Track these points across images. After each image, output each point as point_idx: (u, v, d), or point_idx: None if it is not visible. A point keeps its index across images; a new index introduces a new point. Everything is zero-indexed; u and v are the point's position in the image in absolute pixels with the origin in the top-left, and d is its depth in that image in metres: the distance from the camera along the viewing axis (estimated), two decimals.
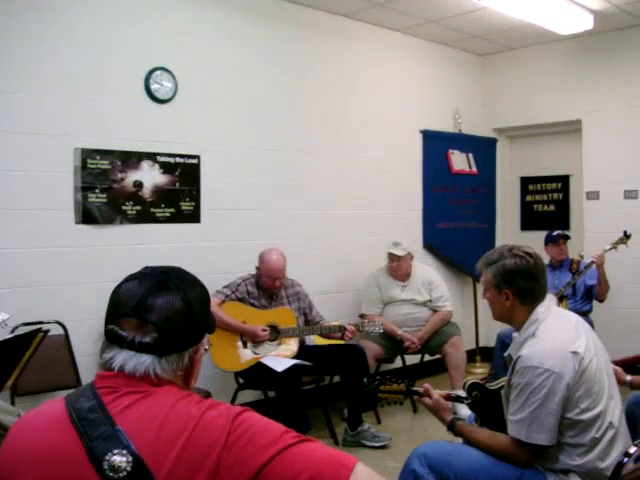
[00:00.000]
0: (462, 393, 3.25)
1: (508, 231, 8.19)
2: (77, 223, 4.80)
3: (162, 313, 1.57)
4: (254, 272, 5.28)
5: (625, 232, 6.19)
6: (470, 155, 7.77)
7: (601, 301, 6.42)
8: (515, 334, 2.99)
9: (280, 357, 5.07)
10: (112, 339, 1.58)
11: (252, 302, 5.20)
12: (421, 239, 7.35)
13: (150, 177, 5.13)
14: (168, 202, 5.23)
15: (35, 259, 4.62)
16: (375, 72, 6.85)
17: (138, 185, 5.06)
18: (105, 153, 4.88)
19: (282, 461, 1.39)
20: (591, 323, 6.18)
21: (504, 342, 5.71)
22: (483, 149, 7.98)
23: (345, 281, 6.54)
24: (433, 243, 7.43)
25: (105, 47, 4.92)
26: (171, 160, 5.25)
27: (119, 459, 1.39)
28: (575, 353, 2.69)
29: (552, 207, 7.93)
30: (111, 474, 1.39)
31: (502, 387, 2.99)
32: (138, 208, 5.07)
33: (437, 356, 6.29)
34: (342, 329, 5.30)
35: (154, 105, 5.19)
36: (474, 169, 7.82)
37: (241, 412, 1.48)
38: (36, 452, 1.47)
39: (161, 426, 1.44)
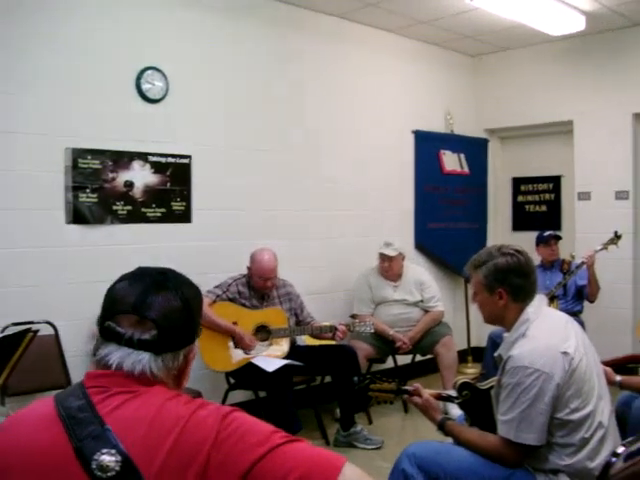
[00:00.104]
0: (453, 393, 3.25)
1: (500, 231, 8.20)
2: (68, 223, 4.79)
3: (162, 310, 1.59)
4: (245, 272, 5.28)
5: (616, 232, 6.21)
6: (462, 155, 7.78)
7: (592, 301, 6.44)
8: (506, 334, 2.99)
9: (271, 357, 5.07)
10: (109, 336, 1.58)
11: (243, 302, 5.19)
12: (412, 239, 7.36)
13: (141, 177, 5.12)
14: (159, 202, 5.23)
15: (25, 259, 4.61)
16: (367, 72, 6.85)
17: (129, 185, 5.05)
18: (96, 153, 4.87)
19: (272, 460, 1.39)
20: (582, 323, 6.18)
21: (495, 342, 5.71)
22: (475, 149, 7.99)
23: (336, 281, 6.53)
24: (424, 243, 7.43)
25: (96, 47, 4.91)
26: (162, 160, 5.24)
27: (108, 459, 1.39)
28: (565, 353, 2.69)
29: (544, 208, 7.94)
30: (99, 474, 1.38)
31: (492, 387, 3.00)
32: (129, 208, 5.06)
33: (429, 356, 6.30)
34: (333, 329, 5.30)
35: (145, 105, 5.18)
36: (466, 169, 7.83)
37: (230, 412, 1.49)
38: (24, 451, 1.46)
39: (150, 426, 1.44)
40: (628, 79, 6.87)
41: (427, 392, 3.16)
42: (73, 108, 4.80)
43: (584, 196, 7.24)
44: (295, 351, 5.30)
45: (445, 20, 6.66)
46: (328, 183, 6.45)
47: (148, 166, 5.16)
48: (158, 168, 5.21)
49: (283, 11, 6.07)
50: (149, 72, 5.16)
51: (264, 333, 5.18)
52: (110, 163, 4.94)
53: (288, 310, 5.36)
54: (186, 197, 5.38)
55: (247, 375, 5.05)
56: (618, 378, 3.43)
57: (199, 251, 5.45)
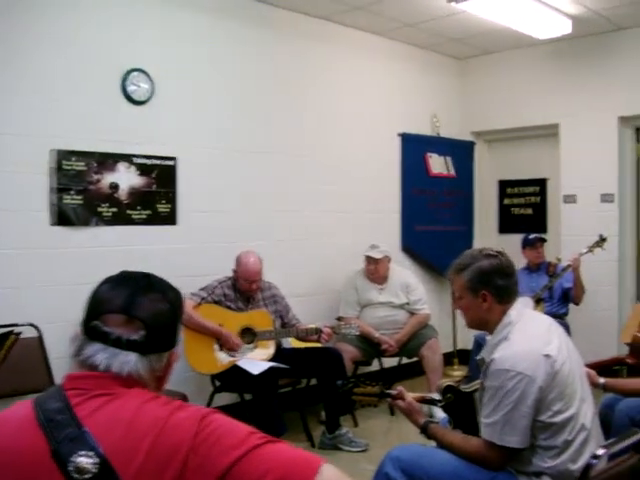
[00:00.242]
0: (436, 396, 3.25)
1: (486, 234, 8.21)
2: (52, 225, 4.76)
3: (150, 311, 1.61)
4: (231, 275, 5.27)
5: (601, 235, 6.24)
6: (448, 158, 7.79)
7: (577, 304, 6.47)
8: (489, 337, 2.99)
9: (256, 360, 5.06)
10: (95, 336, 1.58)
11: (228, 305, 5.18)
12: (399, 242, 7.37)
13: (126, 179, 5.10)
14: (144, 204, 5.21)
15: (9, 260, 4.58)
16: (354, 75, 6.85)
17: (114, 187, 5.03)
18: (81, 154, 4.85)
19: (249, 462, 1.39)
20: (568, 326, 6.21)
21: (480, 345, 5.69)
22: (461, 152, 8.01)
23: (322, 283, 6.53)
24: (411, 246, 7.44)
25: (81, 48, 4.89)
26: (147, 162, 5.22)
27: (85, 460, 1.39)
28: (547, 356, 2.69)
29: (530, 210, 7.96)
30: (76, 476, 1.38)
31: (476, 390, 3.00)
32: (114, 210, 5.04)
33: (414, 359, 6.30)
34: (318, 332, 5.31)
35: (130, 106, 5.16)
36: (452, 172, 7.85)
37: (209, 413, 1.49)
38: (2, 452, 1.46)
39: (128, 427, 1.44)
40: (614, 83, 6.91)
41: (410, 395, 3.15)
42: (58, 109, 4.78)
43: (570, 199, 7.26)
44: (281, 354, 5.29)
45: (431, 23, 6.67)
46: (314, 185, 6.45)
47: (133, 168, 5.14)
48: (143, 170, 5.19)
49: (269, 13, 6.06)
50: (134, 74, 5.14)
51: (249, 336, 5.17)
52: (95, 165, 4.92)
53: (273, 312, 5.35)
54: (171, 199, 5.37)
55: (232, 378, 5.04)
56: (602, 380, 3.43)
57: (184, 253, 5.43)
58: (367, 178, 6.96)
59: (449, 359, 7.43)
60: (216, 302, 5.14)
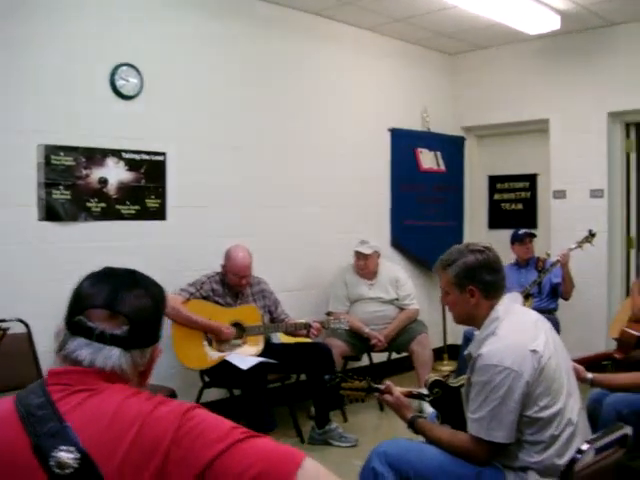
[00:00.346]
0: (424, 390, 3.26)
1: (476, 229, 8.23)
2: (40, 220, 4.74)
3: (134, 306, 1.61)
4: (219, 270, 5.26)
5: (590, 231, 6.26)
6: (438, 153, 7.80)
7: (566, 299, 6.49)
8: (476, 332, 3.00)
9: (245, 355, 5.05)
10: (78, 330, 1.59)
11: (217, 300, 5.17)
12: (389, 237, 7.37)
13: (115, 174, 5.08)
14: (133, 199, 5.19)
15: None
16: (343, 70, 6.84)
17: (103, 182, 5.01)
18: (69, 149, 4.83)
19: (231, 456, 1.39)
20: (557, 321, 6.24)
21: (470, 340, 5.69)
22: (451, 147, 8.02)
23: (312, 279, 6.53)
24: (401, 241, 7.45)
25: (70, 43, 4.87)
26: (136, 157, 5.20)
27: (66, 455, 1.39)
28: (534, 351, 2.70)
29: (520, 206, 7.98)
30: (57, 470, 1.38)
31: (463, 385, 3.01)
32: (103, 205, 5.03)
33: (404, 354, 6.31)
34: (307, 327, 5.31)
35: (119, 101, 5.14)
36: (442, 167, 7.85)
37: (191, 408, 1.50)
38: None
39: (110, 422, 1.44)
40: (603, 78, 6.92)
41: (398, 390, 3.16)
42: (46, 104, 4.75)
43: (559, 194, 7.28)
44: (270, 349, 5.29)
45: (422, 18, 6.66)
46: (304, 180, 6.44)
47: (122, 163, 5.13)
48: (132, 165, 5.18)
49: (258, 8, 6.05)
50: (123, 68, 5.12)
51: (238, 331, 5.16)
52: (83, 160, 4.90)
53: (262, 307, 5.35)
54: (161, 194, 5.35)
55: (221, 373, 5.03)
56: (589, 375, 3.44)
57: (174, 248, 5.42)
58: (357, 173, 6.95)
59: (439, 354, 7.45)
60: (204, 297, 5.13)
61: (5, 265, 4.60)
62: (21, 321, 4.55)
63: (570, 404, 2.77)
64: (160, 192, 5.35)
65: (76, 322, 1.59)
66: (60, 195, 4.78)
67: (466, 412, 2.85)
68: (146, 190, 5.26)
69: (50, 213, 4.76)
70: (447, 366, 7.49)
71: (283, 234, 6.26)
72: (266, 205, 6.14)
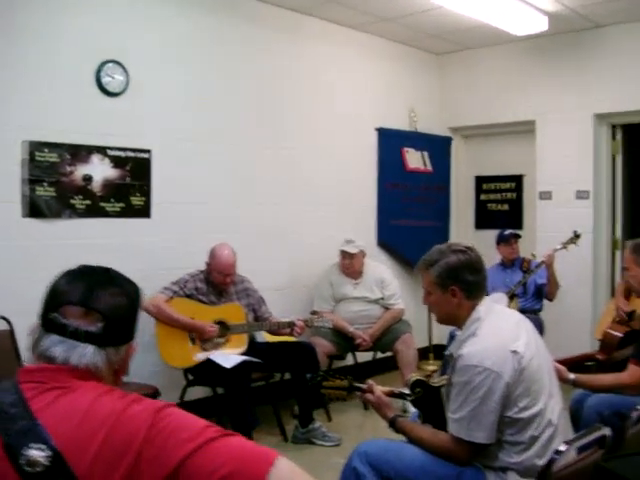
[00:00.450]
0: (406, 390, 3.26)
1: (462, 229, 8.24)
2: (24, 217, 4.72)
3: (109, 303, 1.61)
4: (203, 268, 5.25)
5: (575, 232, 6.28)
6: (425, 153, 7.80)
7: (551, 300, 6.51)
8: (458, 332, 3.00)
9: (229, 353, 5.05)
10: (53, 327, 1.58)
11: (201, 298, 5.16)
12: (375, 236, 7.37)
13: (100, 171, 5.06)
14: (118, 197, 5.17)
15: None
16: (330, 69, 6.84)
17: (87, 179, 4.99)
18: (54, 146, 4.80)
19: (203, 454, 1.39)
20: (542, 322, 6.26)
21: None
22: (438, 147, 8.02)
23: (297, 277, 6.52)
24: (387, 240, 7.45)
25: (55, 39, 4.84)
26: (122, 154, 5.18)
27: (36, 453, 1.38)
28: (515, 352, 2.70)
29: (506, 206, 8.01)
30: (28, 469, 1.38)
31: (444, 385, 3.01)
32: (87, 202, 5.00)
33: (388, 354, 6.31)
34: (291, 325, 5.31)
35: (105, 98, 5.12)
36: (429, 167, 7.85)
37: (165, 406, 1.49)
38: None
39: (83, 419, 1.44)
40: (590, 80, 6.95)
41: (380, 389, 3.16)
42: (30, 100, 4.73)
43: (545, 195, 7.30)
44: (254, 348, 5.28)
45: (408, 18, 6.66)
46: (290, 179, 6.44)
47: (107, 160, 5.10)
48: (117, 162, 5.16)
49: (244, 5, 6.04)
50: (109, 65, 5.10)
51: (222, 329, 5.15)
52: (68, 157, 4.88)
53: (246, 306, 5.34)
54: (146, 192, 5.34)
55: (205, 372, 5.02)
56: (572, 376, 3.46)
57: (158, 246, 5.41)
58: (343, 172, 6.95)
59: (425, 354, 7.47)
60: (188, 296, 5.12)
61: None
62: (4, 318, 4.51)
63: (551, 405, 2.78)
64: (145, 190, 5.33)
65: (50, 319, 1.59)
66: (44, 192, 4.76)
67: (447, 412, 2.85)
68: (131, 187, 5.24)
69: (34, 210, 4.73)
70: (432, 366, 7.50)
71: (268, 232, 6.25)
72: (251, 203, 6.13)
